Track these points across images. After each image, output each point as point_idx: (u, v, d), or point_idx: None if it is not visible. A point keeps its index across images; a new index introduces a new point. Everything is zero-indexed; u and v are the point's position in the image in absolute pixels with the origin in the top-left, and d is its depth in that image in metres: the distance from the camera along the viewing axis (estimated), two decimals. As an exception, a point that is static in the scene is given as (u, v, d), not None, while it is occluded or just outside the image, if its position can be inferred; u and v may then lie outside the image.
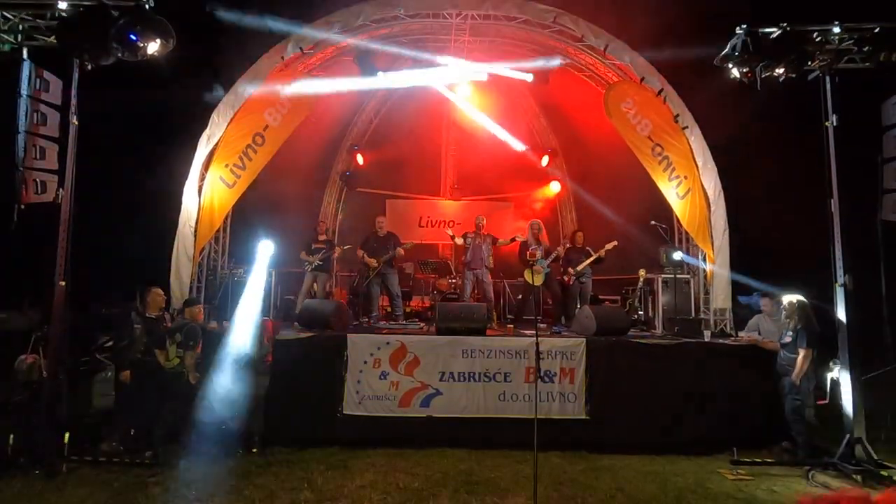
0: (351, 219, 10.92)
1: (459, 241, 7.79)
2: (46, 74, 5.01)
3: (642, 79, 7.51)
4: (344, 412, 5.56)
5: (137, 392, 5.16)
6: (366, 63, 7.92)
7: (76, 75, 5.03)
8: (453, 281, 8.58)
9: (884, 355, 6.64)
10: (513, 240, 7.76)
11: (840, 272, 5.19)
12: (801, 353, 5.16)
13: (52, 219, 4.97)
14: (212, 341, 5.56)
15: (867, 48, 5.23)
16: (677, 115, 7.38)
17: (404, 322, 7.51)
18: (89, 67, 5.07)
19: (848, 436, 5.00)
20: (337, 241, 10.25)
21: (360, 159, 10.66)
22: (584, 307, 6.83)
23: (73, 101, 5.06)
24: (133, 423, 5.22)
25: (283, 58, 7.28)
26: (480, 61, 8.12)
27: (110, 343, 5.99)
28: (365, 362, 5.66)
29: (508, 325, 7.06)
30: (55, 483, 4.42)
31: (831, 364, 6.10)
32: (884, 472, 4.74)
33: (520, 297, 8.12)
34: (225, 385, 5.26)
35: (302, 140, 8.16)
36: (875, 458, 4.87)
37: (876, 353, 6.39)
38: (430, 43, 8.12)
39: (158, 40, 5.07)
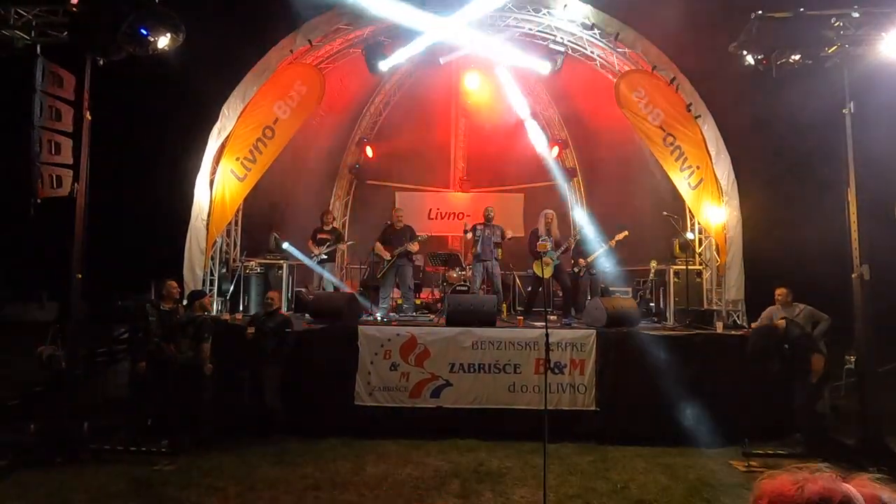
0: (360, 211, 10.95)
1: (469, 235, 7.76)
2: (59, 70, 5.06)
3: (654, 67, 7.38)
4: (356, 403, 5.62)
5: (153, 382, 5.26)
6: (374, 55, 7.89)
7: (88, 70, 5.08)
8: (463, 272, 8.58)
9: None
10: (508, 238, 7.66)
11: (856, 263, 5.10)
12: (813, 358, 5.10)
13: (68, 213, 5.05)
14: (225, 332, 5.64)
15: (885, 33, 5.09)
16: (690, 104, 7.25)
17: (414, 314, 7.54)
18: (101, 62, 5.13)
19: (863, 428, 4.94)
20: (346, 233, 10.33)
21: (369, 151, 10.66)
22: (594, 299, 6.80)
23: (86, 95, 5.12)
24: (149, 412, 5.33)
25: (291, 50, 7.28)
26: (492, 52, 8.04)
27: (126, 335, 6.10)
28: (376, 354, 5.71)
29: (518, 317, 7.05)
30: (75, 471, 4.53)
31: (847, 356, 6.02)
32: (900, 465, 4.68)
33: (529, 288, 8.10)
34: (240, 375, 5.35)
35: (311, 132, 8.17)
36: (892, 450, 4.81)
37: (893, 345, 6.29)
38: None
39: (168, 34, 5.11)
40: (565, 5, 7.30)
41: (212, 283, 7.16)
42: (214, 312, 6.62)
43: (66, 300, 5.05)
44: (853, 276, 5.13)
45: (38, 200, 4.85)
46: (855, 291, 5.12)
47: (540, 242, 7.13)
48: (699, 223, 7.61)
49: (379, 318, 6.88)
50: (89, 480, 4.37)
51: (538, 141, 9.81)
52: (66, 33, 5.09)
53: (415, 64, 9.14)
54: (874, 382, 5.02)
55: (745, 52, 5.37)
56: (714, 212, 7.04)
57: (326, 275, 7.86)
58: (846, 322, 5.24)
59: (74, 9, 4.96)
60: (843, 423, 5.64)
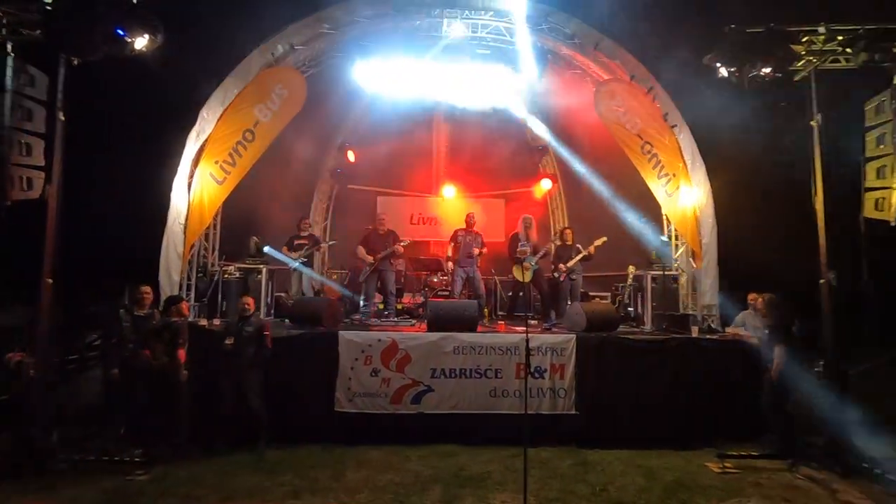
0: (342, 216, 10.90)
1: (451, 264, 7.70)
2: (32, 69, 4.93)
3: (632, 77, 7.56)
4: (336, 409, 5.58)
5: (127, 390, 5.13)
6: (356, 60, 7.88)
7: (62, 70, 4.96)
8: (445, 277, 8.60)
9: (867, 350, 6.77)
10: (480, 253, 7.65)
11: (824, 269, 5.29)
12: (776, 349, 5.19)
13: (40, 216, 4.91)
14: (201, 338, 5.54)
15: (850, 49, 5.33)
16: (666, 114, 7.45)
17: (395, 319, 7.52)
18: (75, 62, 5.01)
19: (831, 429, 5.11)
20: (327, 238, 10.25)
21: (351, 156, 10.61)
22: (574, 304, 6.89)
23: (60, 96, 4.99)
24: (123, 421, 5.19)
25: (273, 54, 7.25)
26: (472, 60, 8.12)
27: (99, 341, 5.94)
28: (356, 359, 5.67)
29: (499, 322, 7.09)
30: (44, 483, 4.40)
31: (816, 359, 6.20)
32: (865, 465, 4.86)
33: (510, 293, 8.15)
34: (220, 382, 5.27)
35: (293, 136, 8.11)
36: (857, 451, 4.98)
37: (859, 348, 6.51)
38: (421, 40, 8.10)
39: (146, 35, 5.02)
40: (546, 15, 7.41)
41: (189, 288, 7.03)
42: (191, 318, 6.50)
43: (36, 305, 4.90)
44: (821, 281, 5.31)
45: (8, 203, 4.72)
46: (823, 297, 5.31)
47: (520, 248, 7.20)
48: (675, 229, 7.80)
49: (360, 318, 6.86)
50: (60, 493, 4.25)
51: (520, 146, 9.92)
52: (39, 31, 4.96)
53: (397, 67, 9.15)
54: (840, 384, 5.20)
55: (718, 65, 5.56)
56: (681, 196, 7.27)
57: (312, 273, 7.80)
58: (815, 325, 5.41)
59: (48, 6, 4.83)
60: (814, 423, 5.80)
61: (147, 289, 5.57)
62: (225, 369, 5.26)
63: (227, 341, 5.24)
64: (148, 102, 6.74)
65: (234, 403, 5.19)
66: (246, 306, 5.50)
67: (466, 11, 7.63)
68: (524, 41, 7.28)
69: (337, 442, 5.34)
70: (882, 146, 5.27)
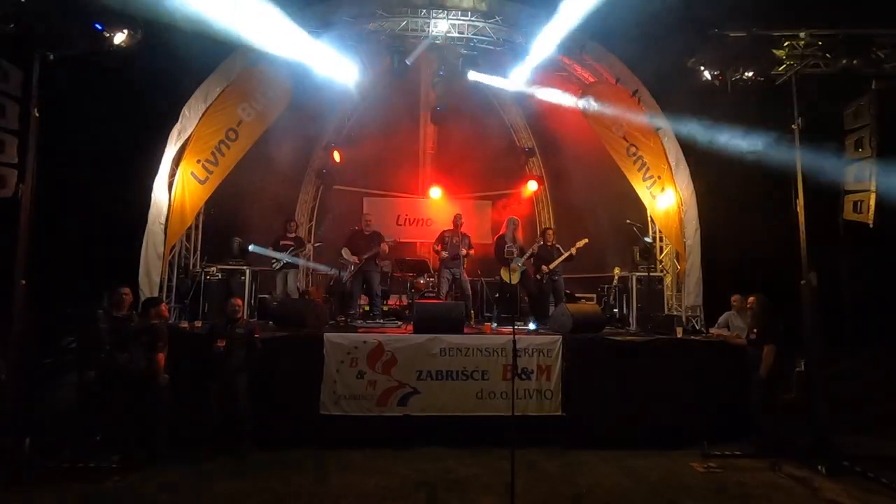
0: (328, 217, 10.79)
1: (445, 254, 7.68)
2: (5, 64, 4.78)
3: (617, 80, 7.61)
4: (321, 412, 5.50)
5: (104, 394, 4.99)
6: (342, 59, 7.80)
7: (38, 65, 4.82)
8: (431, 279, 8.55)
9: (848, 350, 6.90)
10: (467, 254, 7.66)
11: (805, 270, 5.37)
12: (765, 349, 5.30)
13: (13, 215, 4.76)
14: (182, 341, 5.42)
15: (830, 54, 5.43)
16: (651, 116, 7.50)
17: (381, 321, 7.46)
18: (51, 57, 4.86)
19: (812, 428, 5.18)
20: (313, 240, 10.14)
21: (336, 156, 10.51)
22: (560, 305, 6.89)
23: (35, 91, 4.85)
24: (99, 426, 5.05)
25: (257, 52, 7.11)
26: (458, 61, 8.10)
27: (75, 344, 5.77)
28: (342, 362, 5.60)
29: (486, 323, 7.07)
30: (17, 492, 4.25)
31: (798, 359, 6.30)
32: (846, 462, 4.94)
33: (497, 295, 8.14)
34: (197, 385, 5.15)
35: (277, 136, 8.00)
36: (838, 448, 5.07)
37: (840, 348, 6.63)
38: (409, 40, 8.06)
39: (126, 31, 4.91)
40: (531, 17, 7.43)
41: (169, 290, 6.88)
42: (171, 320, 6.36)
43: (8, 308, 4.74)
44: (801, 282, 5.39)
45: (-21, 201, 4.57)
46: (803, 297, 5.38)
47: (507, 249, 7.19)
48: (660, 231, 7.87)
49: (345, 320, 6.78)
50: (33, 501, 4.10)
51: (506, 148, 9.92)
52: (13, 25, 4.81)
53: (383, 68, 9.12)
54: (821, 383, 5.28)
55: (702, 68, 5.62)
56: (666, 198, 7.38)
57: (299, 261, 7.72)
58: (798, 326, 5.49)
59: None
60: (796, 422, 5.89)
61: (126, 290, 5.42)
62: (213, 372, 5.14)
63: (219, 343, 5.12)
64: (127, 99, 6.59)
65: (220, 406, 5.09)
66: (236, 308, 5.40)
67: (453, 12, 7.60)
68: (537, 45, 7.25)
69: (321, 446, 5.26)
70: (861, 150, 5.37)
